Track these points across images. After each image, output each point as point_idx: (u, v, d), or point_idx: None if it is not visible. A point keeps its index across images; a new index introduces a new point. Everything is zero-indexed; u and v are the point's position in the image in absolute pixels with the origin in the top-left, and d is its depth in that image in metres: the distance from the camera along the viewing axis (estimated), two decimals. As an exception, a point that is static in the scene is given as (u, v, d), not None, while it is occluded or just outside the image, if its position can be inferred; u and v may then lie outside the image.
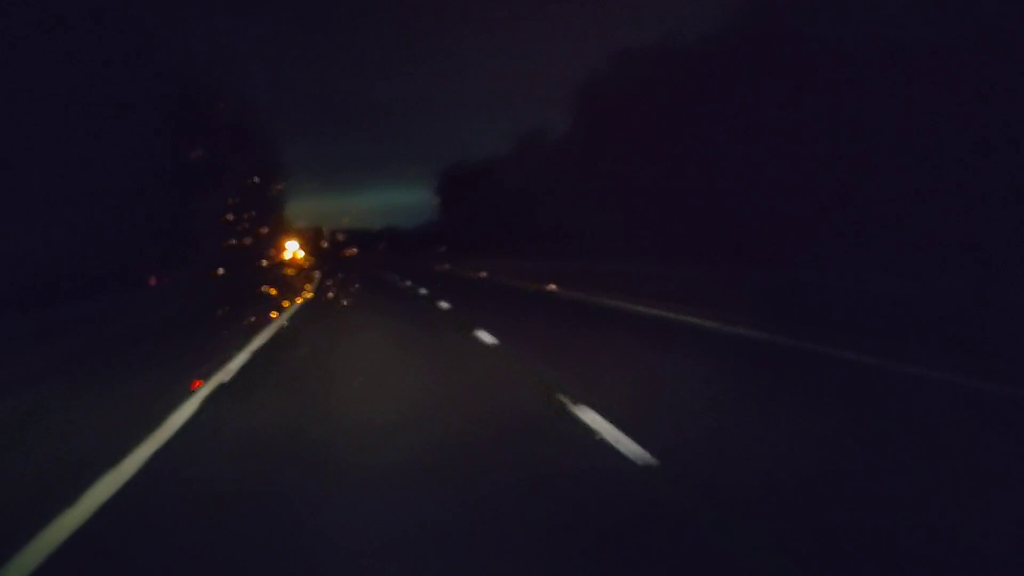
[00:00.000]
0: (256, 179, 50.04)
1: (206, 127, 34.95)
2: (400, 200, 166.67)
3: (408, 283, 27.78)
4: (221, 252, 39.33)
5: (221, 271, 35.01)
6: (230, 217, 43.46)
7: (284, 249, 68.94)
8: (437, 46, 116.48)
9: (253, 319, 13.98)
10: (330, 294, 23.09)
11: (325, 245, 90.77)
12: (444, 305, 16.43)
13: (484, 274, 33.04)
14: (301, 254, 73.65)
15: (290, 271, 48.43)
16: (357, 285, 28.88)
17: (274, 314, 16.03)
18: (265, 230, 55.18)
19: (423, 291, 22.25)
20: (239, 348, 10.09)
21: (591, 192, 42.03)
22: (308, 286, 28.11)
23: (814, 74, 23.38)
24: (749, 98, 26.95)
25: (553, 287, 21.06)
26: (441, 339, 10.95)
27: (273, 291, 24.54)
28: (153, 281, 18.95)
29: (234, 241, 44.74)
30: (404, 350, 9.97)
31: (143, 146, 24.59)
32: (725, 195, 28.38)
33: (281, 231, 66.14)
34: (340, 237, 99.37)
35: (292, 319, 14.40)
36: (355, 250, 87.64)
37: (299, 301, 19.10)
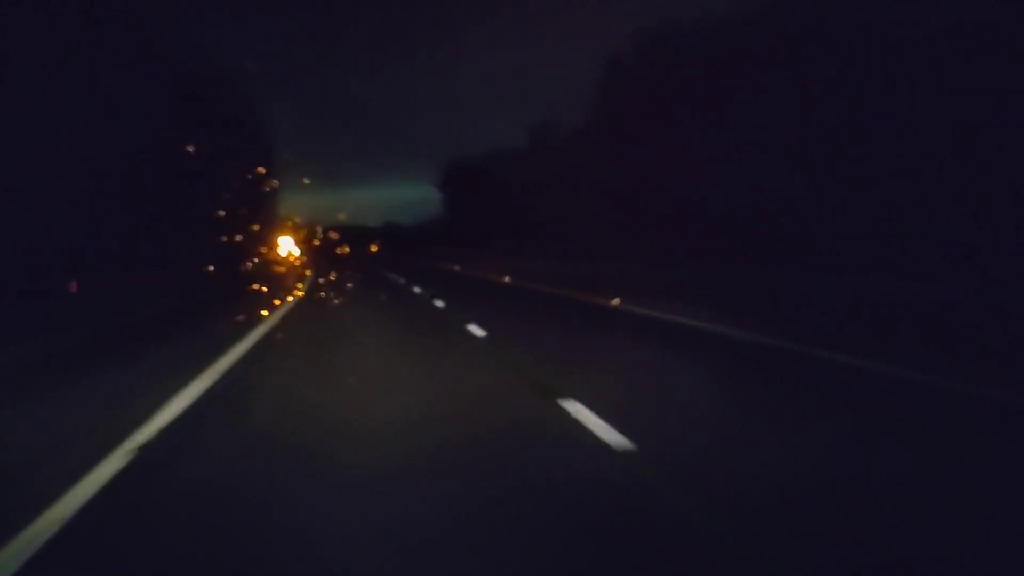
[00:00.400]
0: (251, 174, 47.36)
1: (201, 121, 33.28)
2: (401, 196, 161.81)
3: (417, 289, 22.77)
4: (214, 249, 36.82)
5: (212, 268, 32.51)
6: (222, 213, 40.82)
7: (276, 246, 64.80)
8: (442, 38, 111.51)
9: (182, 366, 8.11)
10: (322, 293, 20.15)
11: (318, 243, 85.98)
12: (477, 331, 11.43)
13: (507, 278, 27.94)
14: (296, 252, 69.18)
15: (281, 269, 44.77)
16: (351, 285, 24.84)
17: (265, 316, 12.57)
18: (257, 227, 51.51)
19: (439, 303, 17.23)
20: (118, 441, 5.06)
21: (612, 186, 37.54)
22: (300, 285, 24.99)
23: (848, 67, 21.59)
24: (777, 89, 24.34)
25: (617, 302, 16.00)
26: (499, 405, 6.00)
27: (262, 291, 22.36)
28: (73, 287, 14.01)
29: (224, 238, 41.90)
30: (432, 428, 4.95)
31: (137, 141, 23.88)
32: (762, 191, 25.23)
33: (274, 228, 62.60)
34: (333, 235, 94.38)
35: (251, 359, 9.39)
36: (347, 249, 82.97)
37: (281, 310, 14.22)
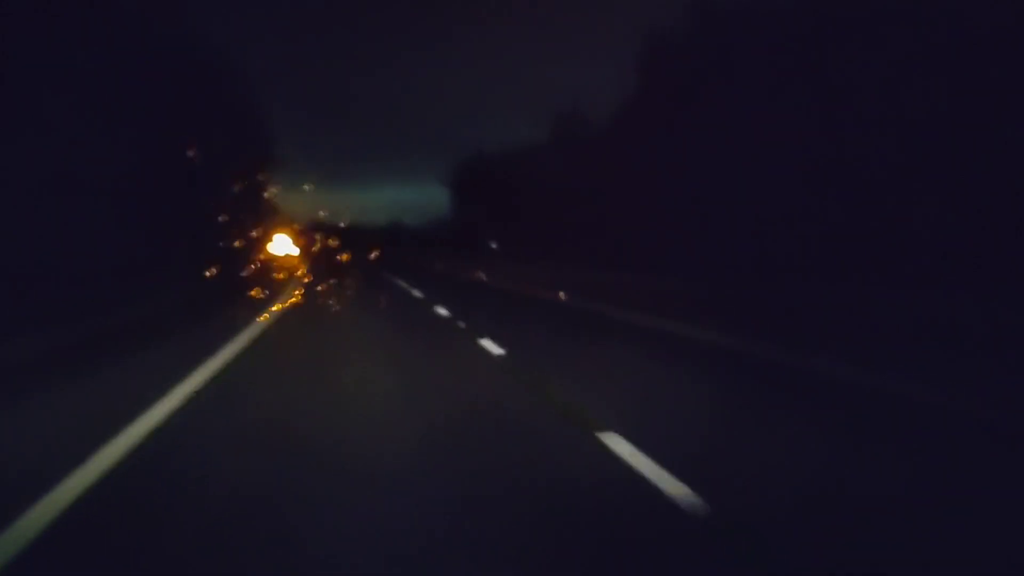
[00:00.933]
0: (252, 177, 46.68)
1: (202, 121, 32.44)
2: (407, 197, 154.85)
3: (442, 310, 16.29)
4: (213, 252, 36.13)
5: (212, 271, 32.63)
6: (222, 218, 40.08)
7: (275, 249, 61.24)
8: (449, 32, 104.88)
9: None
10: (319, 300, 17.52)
11: (316, 248, 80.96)
12: (643, 463, 4.91)
13: (562, 295, 21.15)
14: (295, 252, 64.92)
15: (280, 276, 41.43)
16: (350, 293, 22.91)
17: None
18: (257, 231, 51.57)
19: (494, 348, 10.56)
20: None
21: (650, 185, 31.45)
22: (298, 292, 23.25)
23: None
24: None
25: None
26: None
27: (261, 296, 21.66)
28: None
29: (223, 242, 41.00)
30: None
31: (136, 141, 23.62)
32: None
33: (274, 230, 60.42)
34: (333, 243, 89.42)
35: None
36: (348, 256, 78.11)
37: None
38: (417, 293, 22.98)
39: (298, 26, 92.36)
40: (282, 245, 67.13)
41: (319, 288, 26.52)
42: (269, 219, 60.12)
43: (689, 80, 28.76)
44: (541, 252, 43.18)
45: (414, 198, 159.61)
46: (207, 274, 31.26)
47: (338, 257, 74.87)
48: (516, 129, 71.43)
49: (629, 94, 35.56)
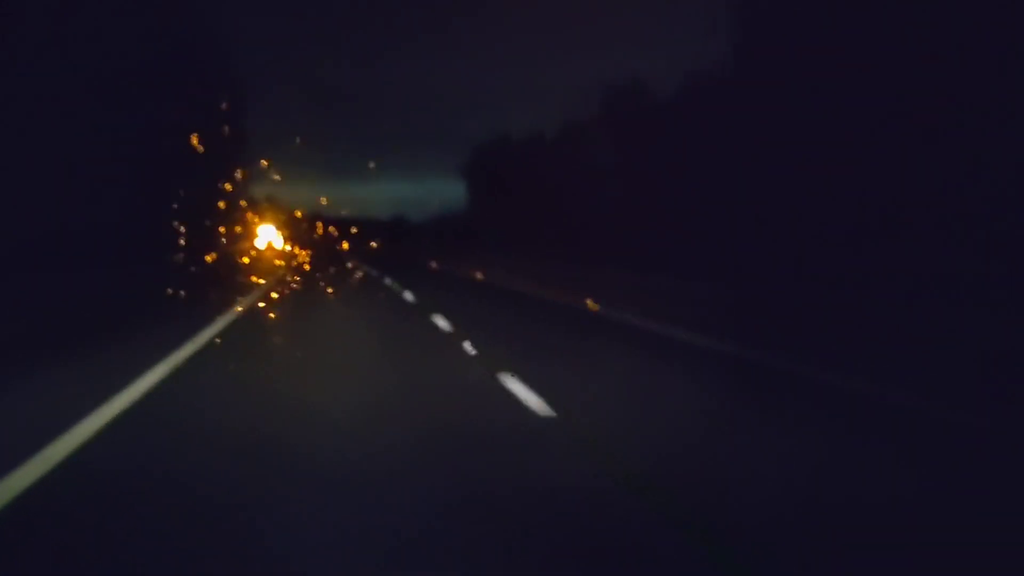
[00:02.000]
0: (250, 169, 46.80)
1: (199, 113, 32.93)
2: (411, 193, 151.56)
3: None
4: (209, 244, 36.51)
5: (208, 259, 33.24)
6: (222, 205, 40.45)
7: (263, 239, 58.72)
8: (452, 23, 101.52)
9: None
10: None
11: (319, 235, 78.92)
12: None
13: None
14: (279, 244, 61.67)
15: (280, 262, 41.52)
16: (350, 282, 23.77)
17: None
18: (252, 225, 52.70)
19: None
20: None
21: (734, 166, 26.61)
22: (295, 279, 24.44)
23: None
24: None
25: None
26: None
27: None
28: None
29: (223, 230, 41.92)
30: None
31: (128, 131, 23.78)
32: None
33: (268, 222, 60.38)
34: (333, 230, 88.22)
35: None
36: (347, 244, 76.94)
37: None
38: (469, 347, 18.11)
39: (300, 16, 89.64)
40: (272, 238, 64.63)
41: (316, 276, 27.77)
42: (265, 211, 58.67)
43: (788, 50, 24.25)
44: (575, 249, 39.27)
45: (419, 194, 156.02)
46: (207, 259, 31.37)
47: (337, 247, 72.06)
48: (530, 119, 68.14)
49: (702, 67, 31.21)
